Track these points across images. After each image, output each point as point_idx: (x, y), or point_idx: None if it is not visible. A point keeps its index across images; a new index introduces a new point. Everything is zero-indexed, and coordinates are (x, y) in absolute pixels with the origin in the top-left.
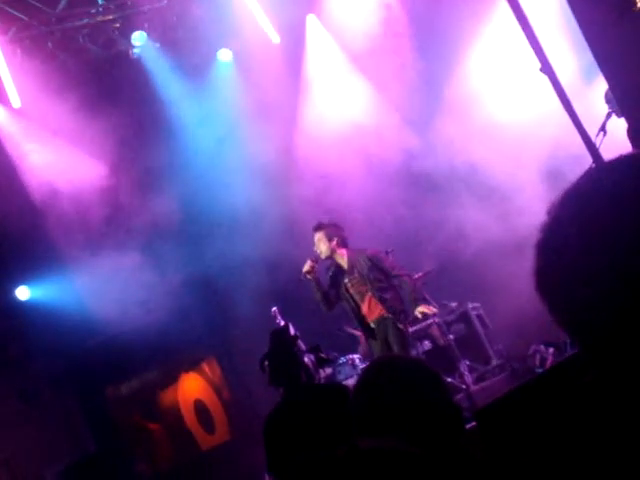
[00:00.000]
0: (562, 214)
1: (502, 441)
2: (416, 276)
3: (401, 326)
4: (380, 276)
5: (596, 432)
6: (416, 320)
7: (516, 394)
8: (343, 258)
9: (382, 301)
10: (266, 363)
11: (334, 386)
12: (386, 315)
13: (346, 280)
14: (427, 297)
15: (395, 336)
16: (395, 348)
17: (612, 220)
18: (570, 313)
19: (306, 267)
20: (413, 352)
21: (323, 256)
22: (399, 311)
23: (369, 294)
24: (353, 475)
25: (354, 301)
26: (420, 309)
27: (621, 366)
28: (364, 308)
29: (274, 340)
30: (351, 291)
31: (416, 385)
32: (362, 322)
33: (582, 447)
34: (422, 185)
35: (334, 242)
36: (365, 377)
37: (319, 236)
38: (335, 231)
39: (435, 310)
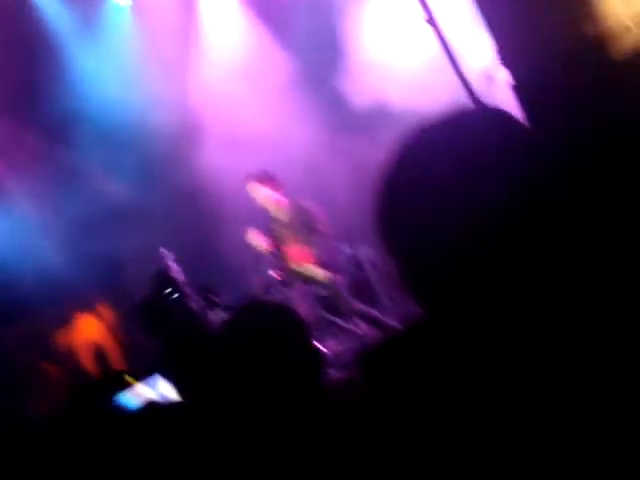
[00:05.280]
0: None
1: (386, 383)
2: None
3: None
4: (309, 230)
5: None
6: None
7: (399, 336)
8: (281, 208)
9: (308, 254)
10: (139, 314)
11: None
12: (310, 267)
13: (279, 229)
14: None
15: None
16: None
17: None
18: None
19: (255, 243)
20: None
21: (269, 208)
22: (323, 265)
23: (298, 245)
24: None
25: (280, 250)
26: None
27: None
28: (290, 252)
29: (153, 286)
30: (279, 236)
31: (275, 331)
32: (285, 265)
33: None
34: (324, 142)
35: (279, 192)
36: (228, 323)
37: (267, 191)
38: (273, 179)
39: (325, 279)
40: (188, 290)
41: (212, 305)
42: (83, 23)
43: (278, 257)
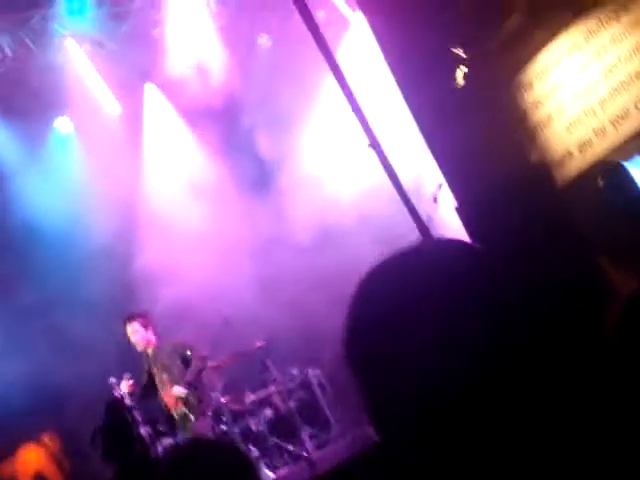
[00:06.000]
0: (364, 297)
1: None
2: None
3: (192, 418)
4: (182, 365)
5: None
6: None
7: (352, 462)
8: (153, 347)
9: (180, 394)
10: (98, 438)
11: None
12: (183, 409)
13: (153, 369)
14: (269, 365)
15: (190, 432)
16: None
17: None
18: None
19: (125, 389)
20: (254, 421)
21: (140, 348)
22: (196, 404)
23: (169, 385)
24: None
25: (156, 391)
26: (177, 391)
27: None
28: (165, 398)
29: (107, 413)
30: (156, 380)
31: (224, 471)
32: (165, 412)
33: None
34: (261, 257)
35: (150, 330)
36: (169, 462)
37: (135, 326)
38: (149, 319)
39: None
40: (138, 418)
41: (159, 434)
42: (30, 152)
43: (157, 403)
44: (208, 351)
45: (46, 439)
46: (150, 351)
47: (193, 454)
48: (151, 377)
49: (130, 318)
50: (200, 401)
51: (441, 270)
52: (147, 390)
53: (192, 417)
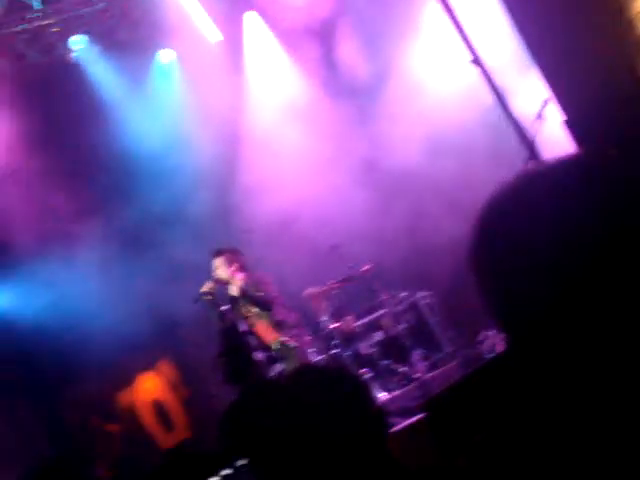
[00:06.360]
0: (498, 211)
1: (452, 430)
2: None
3: (293, 345)
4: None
5: (539, 417)
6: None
7: (464, 382)
8: (240, 282)
9: (273, 325)
10: (219, 362)
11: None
12: (281, 339)
13: (242, 303)
14: (378, 288)
15: (294, 359)
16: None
17: (540, 223)
18: (501, 301)
19: (204, 288)
20: (365, 344)
21: (221, 282)
22: (290, 330)
23: (261, 318)
24: None
25: (250, 324)
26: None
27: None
28: (260, 332)
29: (225, 339)
30: (247, 314)
31: (338, 394)
32: (262, 346)
33: (532, 432)
34: (365, 178)
35: (234, 267)
36: (287, 386)
37: (219, 261)
38: (235, 256)
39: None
40: (252, 343)
41: (273, 359)
42: (134, 82)
43: (254, 337)
44: (314, 274)
45: (163, 367)
46: (234, 286)
47: (308, 378)
48: (233, 311)
49: (214, 254)
50: (293, 326)
51: (561, 186)
52: (225, 320)
53: (292, 344)
